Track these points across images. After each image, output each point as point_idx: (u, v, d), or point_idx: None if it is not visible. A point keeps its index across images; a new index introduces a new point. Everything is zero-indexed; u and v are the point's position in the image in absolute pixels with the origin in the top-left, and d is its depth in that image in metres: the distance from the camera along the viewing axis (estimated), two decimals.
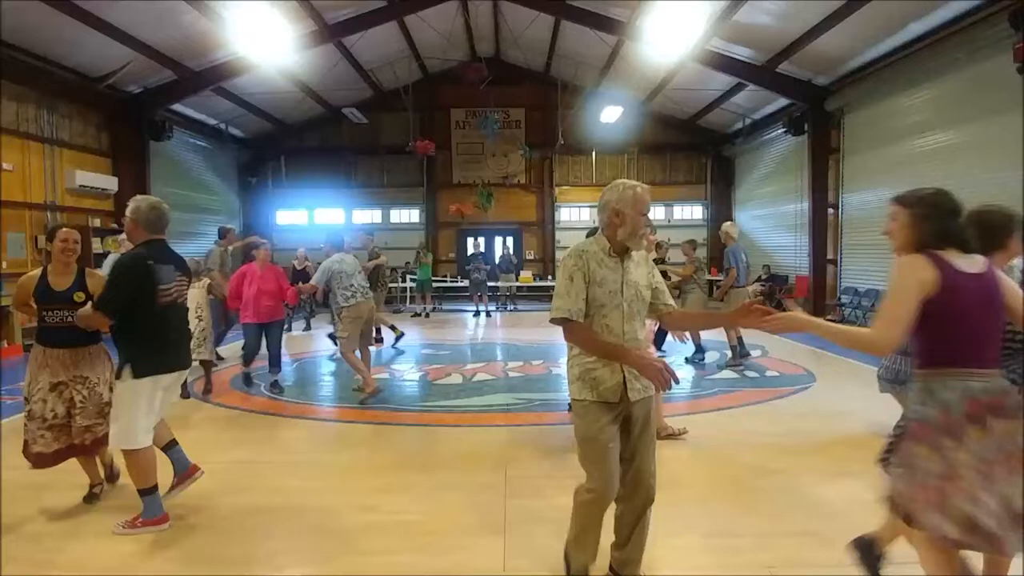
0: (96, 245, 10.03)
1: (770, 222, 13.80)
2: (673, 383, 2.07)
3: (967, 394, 1.76)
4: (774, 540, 2.89)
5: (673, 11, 8.53)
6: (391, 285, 13.19)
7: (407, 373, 6.99)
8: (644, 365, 2.15)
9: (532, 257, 16.44)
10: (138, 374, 2.92)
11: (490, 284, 12.89)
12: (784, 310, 8.40)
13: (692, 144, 15.88)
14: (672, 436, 4.33)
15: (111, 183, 10.63)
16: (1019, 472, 1.70)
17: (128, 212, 3.05)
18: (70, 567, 2.72)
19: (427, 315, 12.59)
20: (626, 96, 13.94)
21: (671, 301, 2.50)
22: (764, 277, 13.33)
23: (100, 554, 2.83)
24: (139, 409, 2.96)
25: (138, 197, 3.14)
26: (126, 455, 3.01)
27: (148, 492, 3.04)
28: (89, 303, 3.01)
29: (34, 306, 3.21)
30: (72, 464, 4.05)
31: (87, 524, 3.14)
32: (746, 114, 13.61)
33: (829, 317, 10.68)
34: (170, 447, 3.30)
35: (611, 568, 2.46)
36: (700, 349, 7.30)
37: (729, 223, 7.78)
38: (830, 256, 11.38)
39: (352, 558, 2.79)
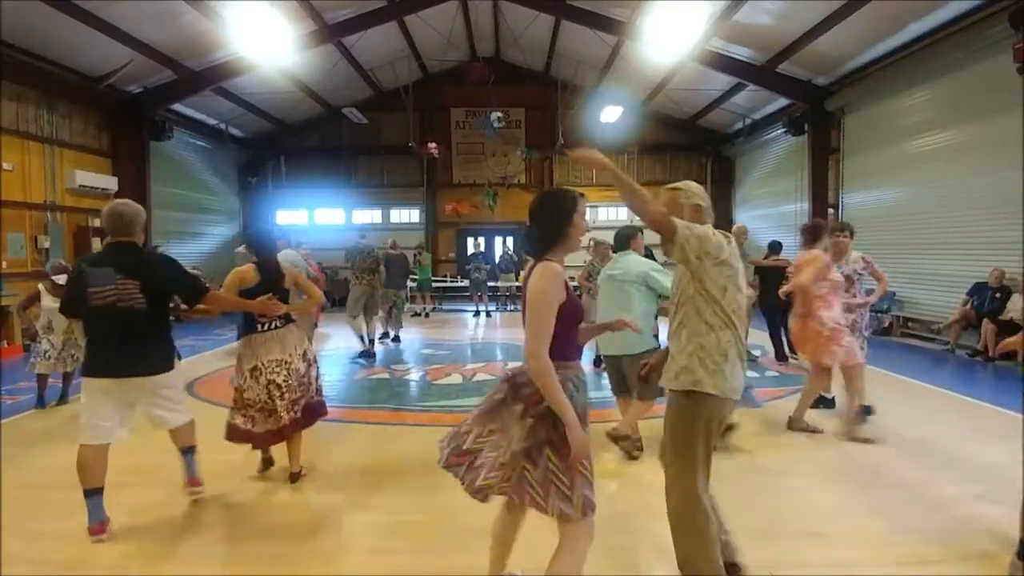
0: (96, 245, 10.03)
1: (770, 222, 13.79)
2: None
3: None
4: (774, 540, 2.89)
5: (673, 11, 8.53)
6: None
7: (407, 373, 6.99)
8: None
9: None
10: (82, 373, 3.06)
11: (490, 284, 12.88)
12: (785, 310, 8.39)
13: (692, 144, 15.88)
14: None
15: (111, 183, 10.63)
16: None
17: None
18: (70, 567, 2.71)
19: (427, 315, 12.60)
20: (626, 96, 13.94)
21: None
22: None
23: (100, 554, 2.83)
24: (86, 407, 3.00)
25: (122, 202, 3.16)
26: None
27: (87, 494, 2.96)
28: None
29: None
30: (68, 464, 4.07)
31: (86, 524, 3.14)
32: (746, 114, 13.60)
33: None
34: (187, 452, 3.39)
35: None
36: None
37: (736, 225, 7.84)
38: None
39: (352, 558, 2.79)
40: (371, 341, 7.85)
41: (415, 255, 12.89)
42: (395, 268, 8.86)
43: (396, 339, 9.09)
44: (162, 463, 3.87)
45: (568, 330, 2.06)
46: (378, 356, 7.83)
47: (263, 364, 3.46)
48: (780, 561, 2.70)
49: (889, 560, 2.72)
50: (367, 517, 3.21)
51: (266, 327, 3.55)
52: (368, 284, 7.92)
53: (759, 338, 8.80)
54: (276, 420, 3.47)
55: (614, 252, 4.56)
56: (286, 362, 3.51)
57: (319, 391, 3.78)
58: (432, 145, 14.42)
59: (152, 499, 3.44)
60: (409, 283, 13.03)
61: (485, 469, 2.04)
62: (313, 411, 3.70)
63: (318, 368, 3.81)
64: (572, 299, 2.07)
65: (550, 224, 2.11)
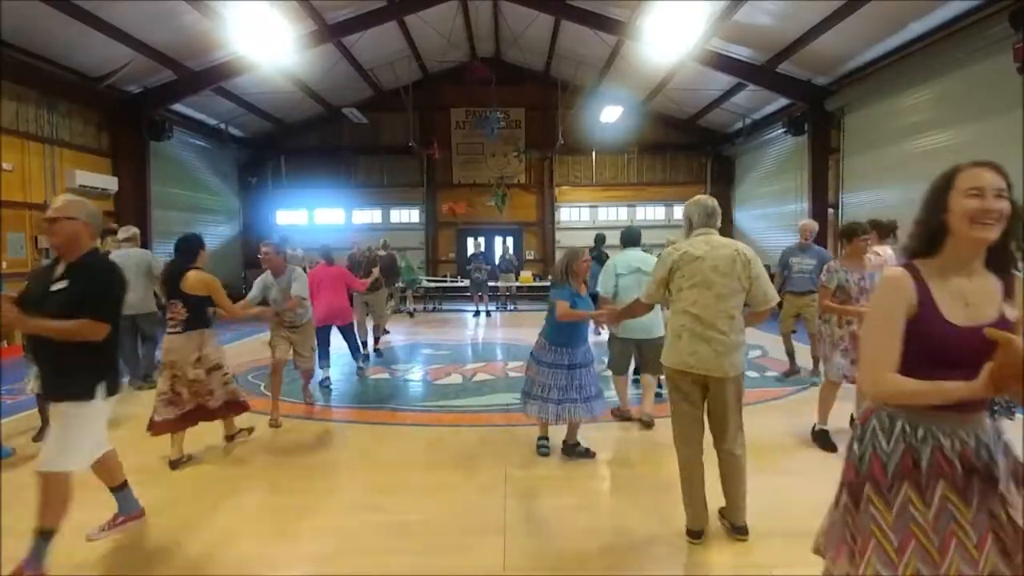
0: (97, 245, 10.03)
1: (770, 222, 13.80)
2: None
3: None
4: (774, 540, 2.89)
5: (673, 11, 8.52)
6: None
7: (407, 373, 6.99)
8: None
9: (532, 257, 16.44)
10: (111, 392, 2.72)
11: (490, 284, 12.88)
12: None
13: (692, 144, 15.87)
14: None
15: (111, 183, 10.63)
16: None
17: (82, 215, 2.68)
18: (70, 567, 2.72)
19: (411, 314, 12.70)
20: (626, 96, 13.94)
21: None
22: None
23: (100, 554, 2.83)
24: (101, 430, 2.79)
25: (78, 199, 2.77)
26: (93, 468, 2.89)
27: (120, 489, 3.03)
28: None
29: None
30: None
31: (87, 524, 3.14)
32: (746, 114, 13.60)
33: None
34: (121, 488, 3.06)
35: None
36: None
37: (803, 222, 6.88)
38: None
39: (352, 558, 2.79)
40: (364, 343, 7.86)
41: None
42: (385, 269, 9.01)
43: (386, 331, 9.32)
44: (157, 464, 3.88)
45: (933, 368, 1.42)
46: (377, 356, 7.84)
47: (167, 362, 3.87)
48: (780, 561, 2.71)
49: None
50: (367, 517, 3.21)
51: (169, 331, 3.90)
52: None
53: (758, 338, 8.80)
54: (174, 410, 3.83)
55: (624, 247, 5.10)
56: (174, 363, 3.83)
57: (223, 392, 4.05)
58: (435, 147, 14.47)
59: (152, 499, 3.44)
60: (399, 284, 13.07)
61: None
62: (207, 412, 4.00)
63: (222, 372, 4.04)
64: (933, 321, 1.45)
65: (918, 214, 1.56)
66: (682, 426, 2.90)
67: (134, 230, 6.16)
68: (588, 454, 4.10)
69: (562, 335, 3.95)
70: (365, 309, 7.88)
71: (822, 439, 4.23)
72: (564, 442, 4.16)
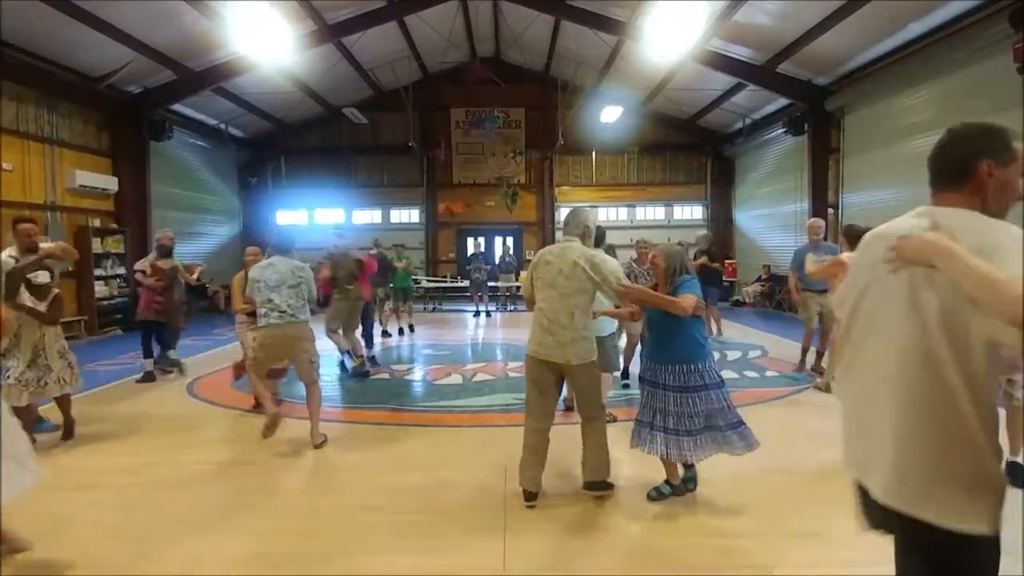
0: (96, 245, 10.04)
1: (770, 222, 13.80)
2: None
3: None
4: (774, 540, 2.89)
5: (673, 11, 8.53)
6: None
7: (407, 373, 6.99)
8: None
9: (532, 257, 16.43)
10: None
11: (490, 284, 12.88)
12: (784, 310, 8.15)
13: (692, 144, 15.88)
14: None
15: (111, 183, 10.64)
16: None
17: None
18: (70, 567, 2.72)
19: (411, 329, 10.23)
20: (626, 96, 13.95)
21: None
22: (764, 277, 13.35)
23: (100, 554, 2.83)
24: None
25: None
26: None
27: None
28: None
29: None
30: (68, 464, 4.09)
31: (86, 524, 3.14)
32: (746, 114, 13.61)
33: None
34: None
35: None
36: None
37: (810, 220, 6.73)
38: None
39: (352, 558, 2.79)
40: (360, 358, 6.86)
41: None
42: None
43: (387, 334, 9.62)
44: (157, 463, 3.88)
45: None
46: (377, 357, 7.83)
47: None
48: (780, 561, 2.71)
49: (889, 560, 2.71)
50: (367, 517, 3.21)
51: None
52: (355, 296, 6.78)
53: (759, 338, 8.82)
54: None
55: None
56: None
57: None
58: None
59: (151, 499, 3.45)
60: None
61: None
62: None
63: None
64: None
65: None
66: (529, 403, 3.36)
67: (157, 235, 6.89)
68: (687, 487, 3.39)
69: (647, 344, 3.38)
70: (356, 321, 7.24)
71: (1012, 472, 3.26)
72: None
